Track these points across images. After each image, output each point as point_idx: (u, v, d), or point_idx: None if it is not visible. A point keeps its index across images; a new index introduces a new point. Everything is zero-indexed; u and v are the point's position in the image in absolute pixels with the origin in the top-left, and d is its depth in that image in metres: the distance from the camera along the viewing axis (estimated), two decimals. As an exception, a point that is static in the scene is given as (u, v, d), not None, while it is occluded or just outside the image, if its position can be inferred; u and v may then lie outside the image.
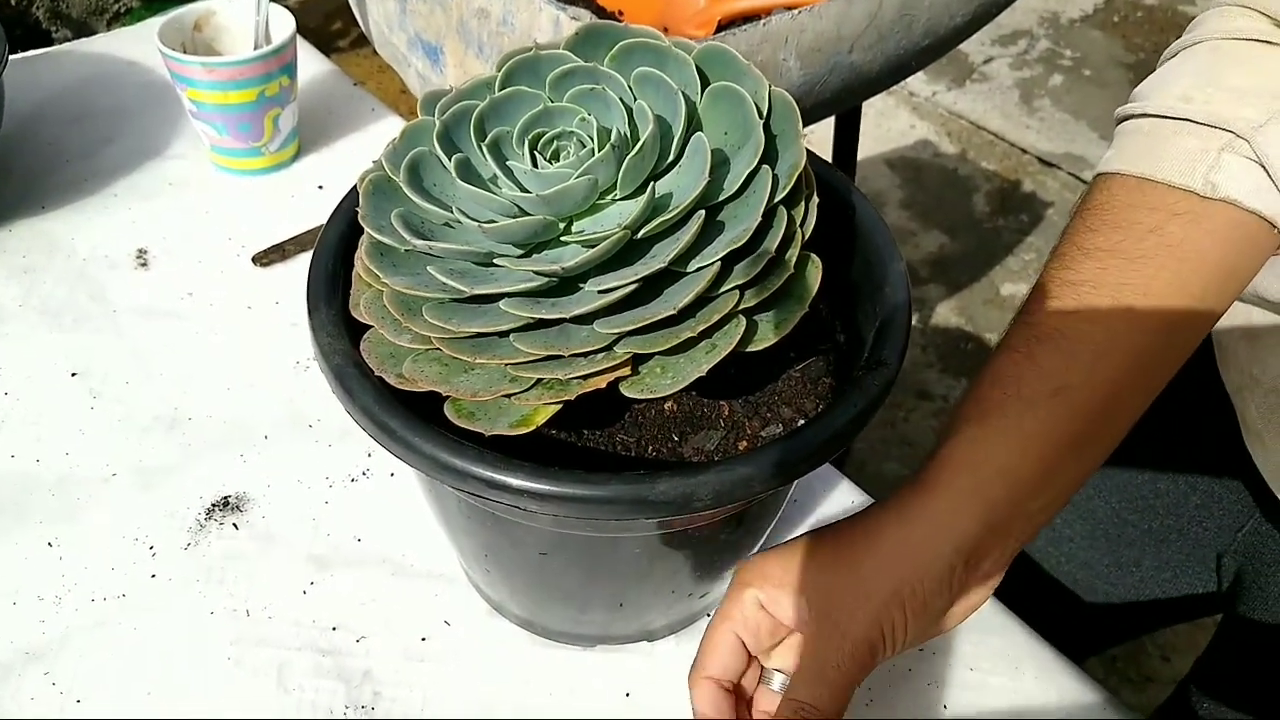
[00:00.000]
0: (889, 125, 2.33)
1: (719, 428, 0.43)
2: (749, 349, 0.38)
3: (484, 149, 0.40)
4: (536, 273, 0.38)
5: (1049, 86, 2.48)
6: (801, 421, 0.44)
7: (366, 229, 0.40)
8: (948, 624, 0.42)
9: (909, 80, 2.08)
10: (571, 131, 0.40)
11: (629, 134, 0.40)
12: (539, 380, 0.38)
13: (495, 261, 0.39)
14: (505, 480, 0.37)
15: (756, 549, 0.53)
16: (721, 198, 0.39)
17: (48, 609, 0.52)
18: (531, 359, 0.37)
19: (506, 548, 0.47)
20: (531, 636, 0.53)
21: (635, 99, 0.40)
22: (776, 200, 0.38)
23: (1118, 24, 2.74)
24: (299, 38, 0.80)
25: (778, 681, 0.44)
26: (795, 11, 0.69)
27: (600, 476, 0.37)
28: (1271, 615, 0.62)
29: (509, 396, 0.38)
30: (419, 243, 0.38)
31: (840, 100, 0.80)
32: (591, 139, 0.39)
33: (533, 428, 0.38)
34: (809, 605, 0.41)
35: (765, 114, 0.40)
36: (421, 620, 0.53)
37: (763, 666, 0.45)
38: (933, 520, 0.40)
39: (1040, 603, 0.70)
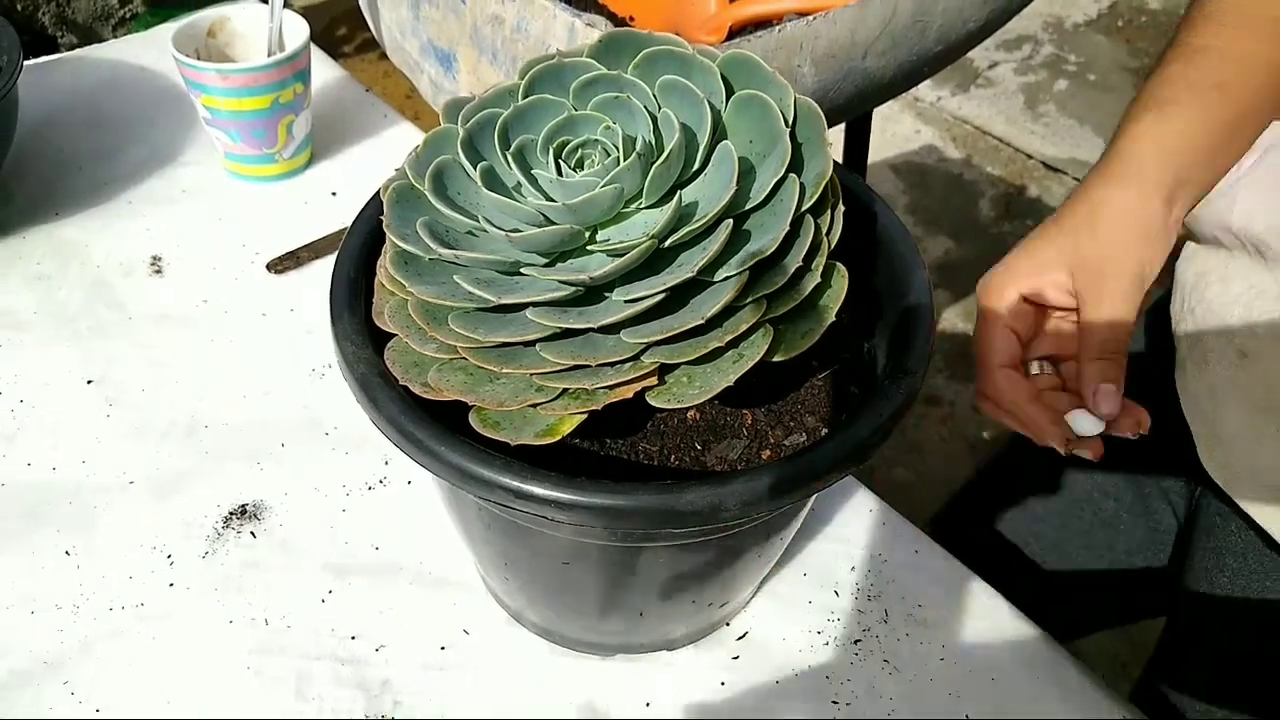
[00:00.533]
0: (894, 130, 2.33)
1: (742, 437, 0.43)
2: (775, 359, 0.38)
3: (508, 157, 0.40)
4: (563, 282, 0.38)
5: (1054, 91, 2.48)
6: (825, 430, 0.44)
7: (391, 238, 0.40)
8: (1164, 255, 0.50)
9: (915, 85, 2.07)
10: (596, 140, 0.40)
11: (654, 142, 0.39)
12: (565, 390, 0.38)
13: (522, 270, 0.39)
14: (532, 490, 0.36)
15: (776, 559, 0.53)
16: (748, 206, 0.39)
17: (66, 618, 0.52)
18: (558, 369, 0.37)
19: (527, 557, 0.47)
20: (551, 645, 0.53)
21: (660, 107, 0.40)
22: (803, 209, 0.38)
23: (1122, 29, 2.74)
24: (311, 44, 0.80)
25: (1035, 367, 0.52)
26: (810, 18, 0.69)
27: (628, 486, 0.37)
28: (1209, 586, 0.64)
29: (535, 406, 0.38)
30: (445, 252, 0.38)
31: (853, 106, 0.80)
32: (616, 147, 0.39)
33: (559, 438, 0.38)
34: (1073, 274, 0.49)
35: (791, 122, 0.39)
36: (440, 629, 0.53)
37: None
38: (1141, 180, 0.49)
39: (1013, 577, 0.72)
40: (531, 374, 0.38)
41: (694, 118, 0.40)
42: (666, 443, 0.43)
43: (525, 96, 0.41)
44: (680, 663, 0.53)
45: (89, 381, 0.64)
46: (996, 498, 0.84)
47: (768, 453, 0.43)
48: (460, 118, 0.41)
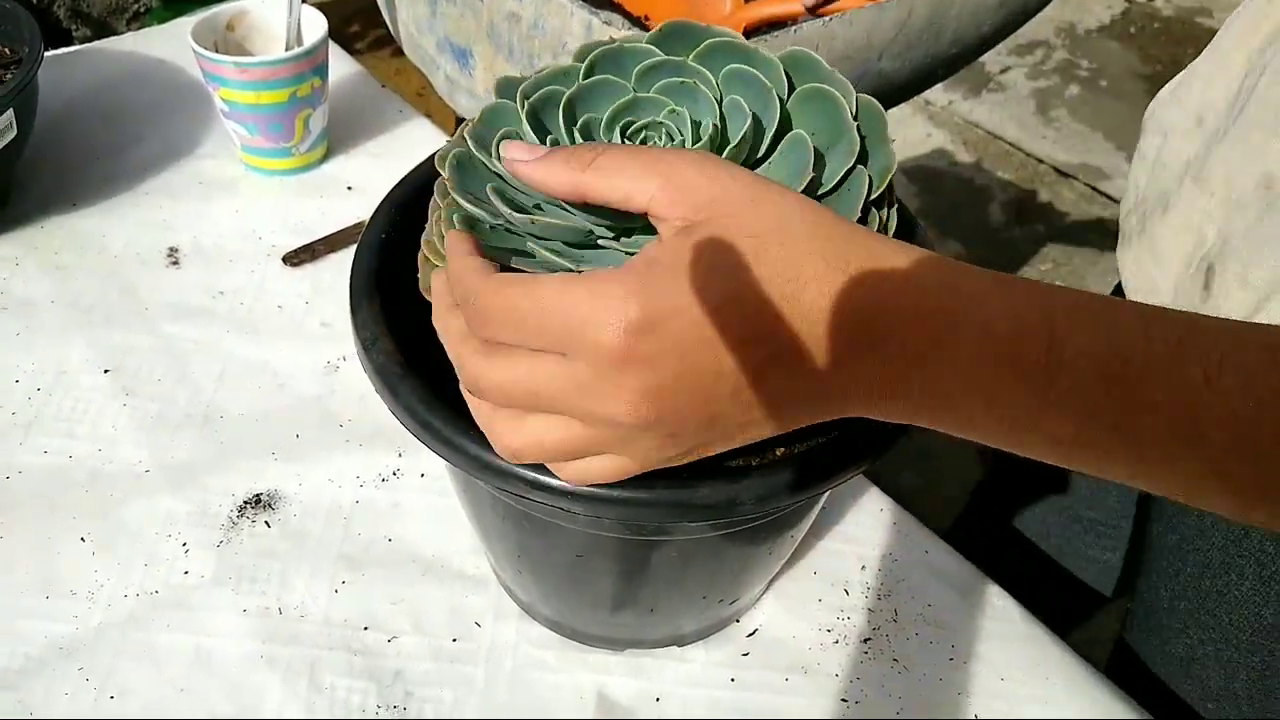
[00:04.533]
0: (905, 133, 2.33)
1: (757, 433, 0.43)
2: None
3: (575, 133, 0.39)
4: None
5: (1065, 97, 2.48)
6: (838, 429, 0.44)
7: (458, 200, 0.39)
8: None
9: (926, 89, 2.07)
10: (660, 123, 0.40)
11: (720, 127, 0.39)
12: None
13: (598, 242, 0.38)
14: (548, 482, 0.37)
15: (788, 557, 0.53)
16: (820, 192, 0.39)
17: (81, 605, 0.53)
18: None
19: (541, 549, 0.47)
20: (562, 639, 0.53)
21: (724, 95, 0.40)
22: (870, 199, 0.38)
23: (1134, 35, 2.74)
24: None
25: None
26: (826, 19, 0.69)
27: (643, 479, 0.37)
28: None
29: None
30: (519, 217, 0.37)
31: (868, 108, 0.80)
32: (681, 131, 0.39)
33: None
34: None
35: (854, 116, 0.40)
36: (453, 621, 0.53)
37: None
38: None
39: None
40: None
41: (760, 106, 0.39)
42: (682, 438, 0.43)
43: (587, 76, 0.41)
44: (690, 658, 0.53)
45: (106, 371, 0.64)
46: (1008, 498, 0.84)
47: (782, 449, 0.43)
48: (520, 93, 0.41)
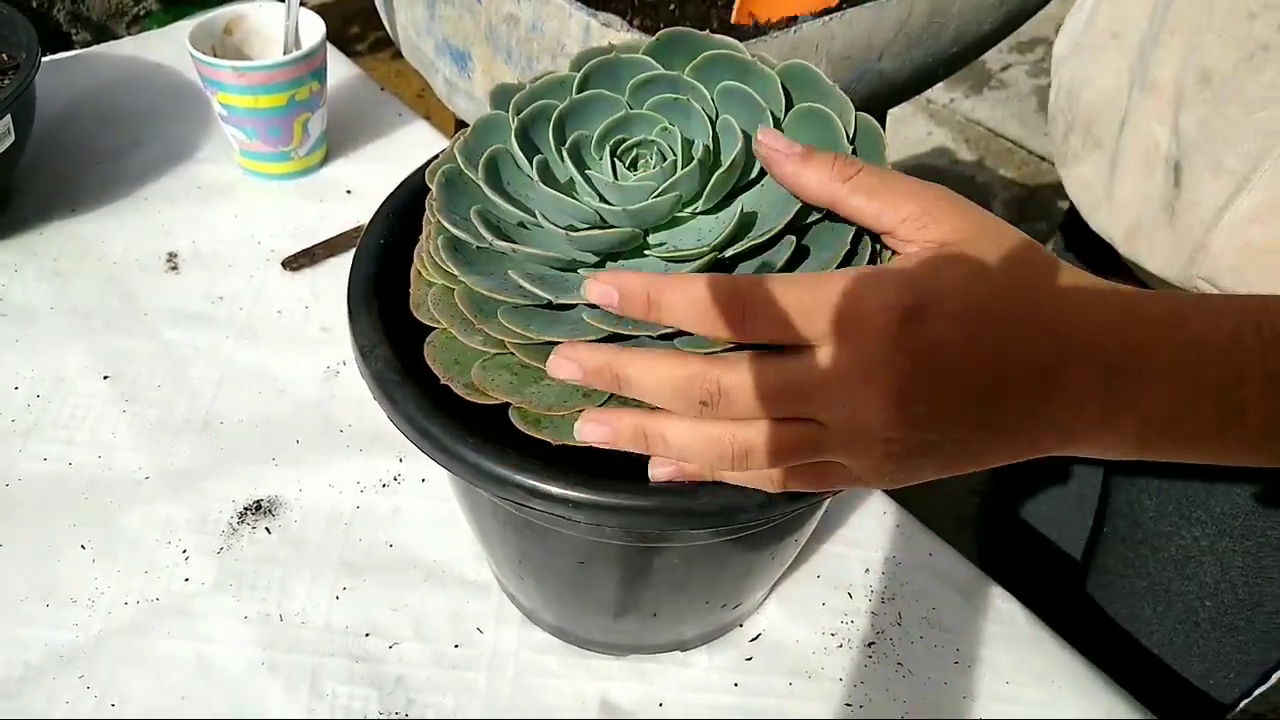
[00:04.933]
0: (906, 132, 2.33)
1: (759, 438, 0.43)
2: None
3: (563, 152, 0.39)
4: None
5: (1067, 94, 2.47)
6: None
7: (442, 222, 0.39)
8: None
9: (927, 87, 2.07)
10: (652, 140, 0.39)
11: (713, 148, 0.39)
12: (612, 395, 0.37)
13: (579, 270, 0.38)
14: (548, 489, 0.36)
15: (791, 561, 0.53)
16: (809, 220, 0.38)
17: (81, 612, 0.52)
18: None
19: (542, 556, 0.47)
20: (564, 644, 0.53)
21: (718, 113, 0.39)
22: None
23: (1136, 31, 2.72)
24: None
25: None
26: (826, 18, 0.69)
27: (645, 486, 0.37)
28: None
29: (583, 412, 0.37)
30: (501, 243, 0.37)
31: (869, 107, 0.79)
32: (673, 150, 0.38)
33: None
34: None
35: (852, 138, 0.38)
36: (454, 627, 0.53)
37: None
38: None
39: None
40: None
41: (753, 126, 0.38)
42: (683, 443, 0.43)
43: (580, 90, 0.40)
44: (693, 663, 0.53)
45: (105, 377, 0.64)
46: (1015, 496, 0.85)
47: (784, 454, 0.43)
48: (511, 106, 0.40)
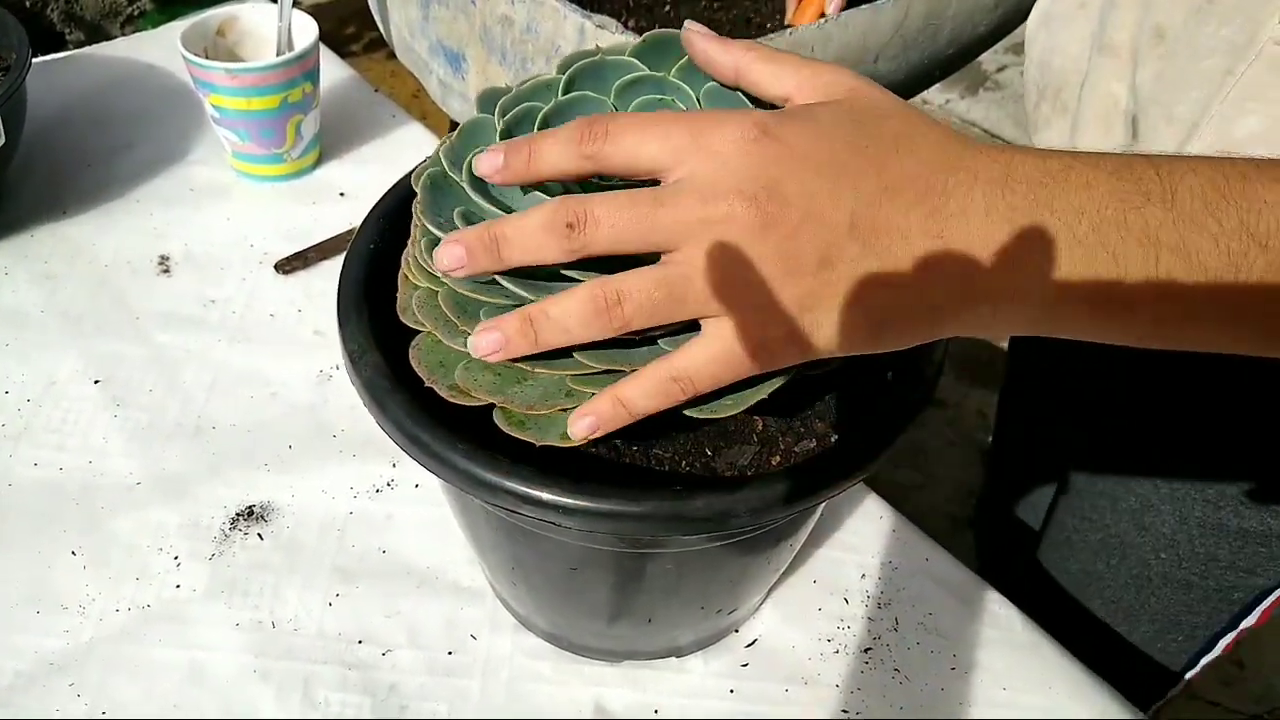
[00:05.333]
0: (903, 132, 2.32)
1: (752, 443, 0.43)
2: (811, 372, 0.37)
3: None
4: None
5: (1063, 94, 2.47)
6: (835, 437, 0.43)
7: (425, 224, 0.39)
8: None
9: (924, 87, 2.07)
10: None
11: None
12: (595, 395, 0.37)
13: (563, 273, 0.38)
14: (539, 495, 0.36)
15: (786, 566, 0.53)
16: None
17: (72, 619, 0.52)
18: (592, 372, 0.36)
19: (535, 561, 0.46)
20: (558, 651, 0.53)
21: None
22: None
23: (1132, 31, 2.73)
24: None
25: None
26: (822, 21, 0.68)
27: (636, 492, 0.36)
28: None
29: (566, 411, 0.37)
30: None
31: (865, 109, 0.79)
32: None
33: (584, 440, 0.37)
34: None
35: None
36: (448, 634, 0.53)
37: None
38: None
39: None
40: (566, 375, 0.37)
41: None
42: (678, 448, 0.42)
43: (565, 92, 0.40)
44: (689, 669, 0.52)
45: (96, 381, 0.64)
46: (1010, 494, 0.85)
47: (778, 459, 0.42)
48: (497, 109, 0.40)
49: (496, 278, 0.37)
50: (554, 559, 0.45)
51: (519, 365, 0.36)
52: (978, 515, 0.96)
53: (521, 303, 0.37)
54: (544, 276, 0.38)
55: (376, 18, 0.87)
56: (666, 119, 0.34)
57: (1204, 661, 0.68)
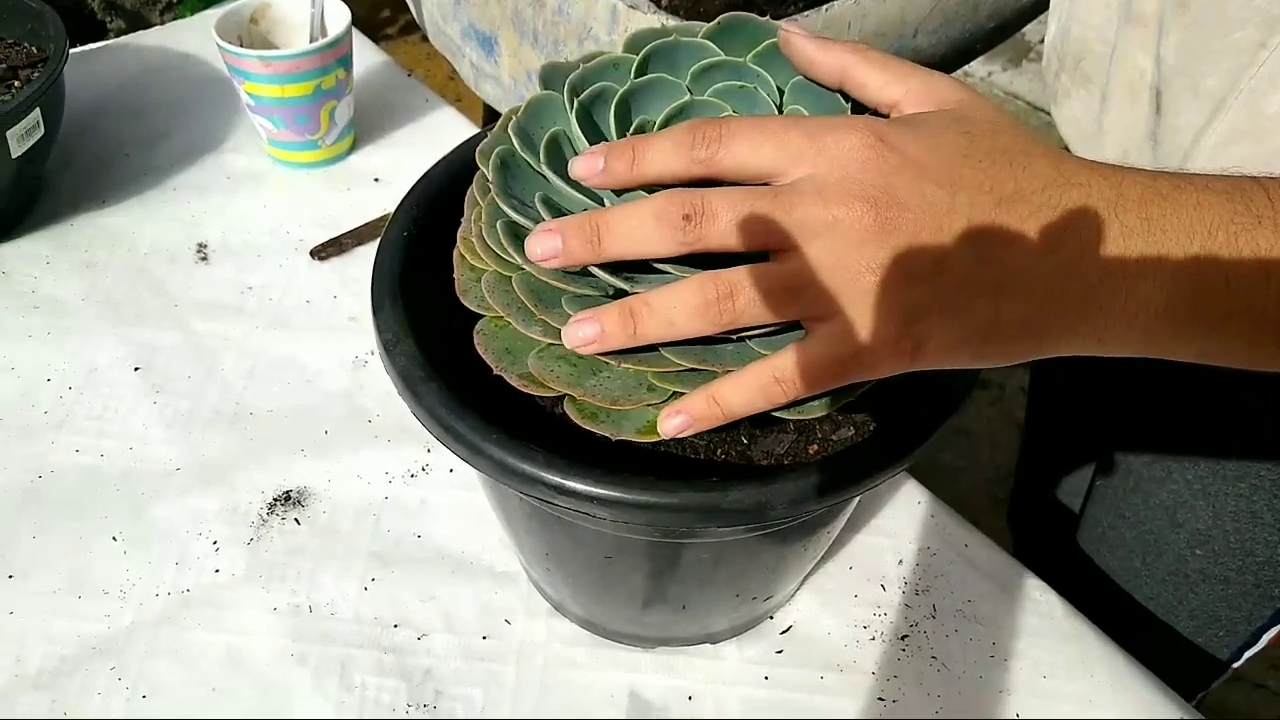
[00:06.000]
0: (942, 108, 2.28)
1: (789, 431, 0.42)
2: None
3: (628, 136, 0.37)
4: None
5: (1108, 67, 2.41)
6: (874, 426, 0.42)
7: (501, 206, 0.38)
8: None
9: (963, 62, 2.03)
10: None
11: None
12: (676, 393, 0.36)
13: (659, 266, 0.37)
14: (574, 486, 0.36)
15: (822, 553, 0.52)
16: None
17: (113, 604, 0.53)
18: (677, 369, 0.35)
19: (570, 549, 0.46)
20: (593, 636, 0.53)
21: (784, 105, 0.38)
22: None
23: None
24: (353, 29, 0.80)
25: None
26: (858, -6, 0.67)
27: (672, 484, 0.36)
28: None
29: (646, 406, 0.36)
30: None
31: (903, 87, 0.78)
32: None
33: (660, 437, 0.37)
34: None
35: None
36: (482, 619, 0.53)
37: None
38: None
39: None
40: (649, 371, 0.36)
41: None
42: (713, 436, 0.42)
43: (640, 74, 0.39)
44: (723, 656, 0.52)
45: (135, 369, 0.64)
46: (1047, 478, 0.84)
47: (815, 447, 0.42)
48: (567, 88, 0.39)
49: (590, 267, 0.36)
50: (588, 547, 0.45)
51: (598, 357, 0.36)
52: (1012, 502, 0.95)
53: (605, 292, 0.36)
54: (632, 270, 0.37)
55: (409, 2, 0.87)
56: (780, 124, 0.33)
57: (1248, 654, 0.66)
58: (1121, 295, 0.32)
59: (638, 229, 0.33)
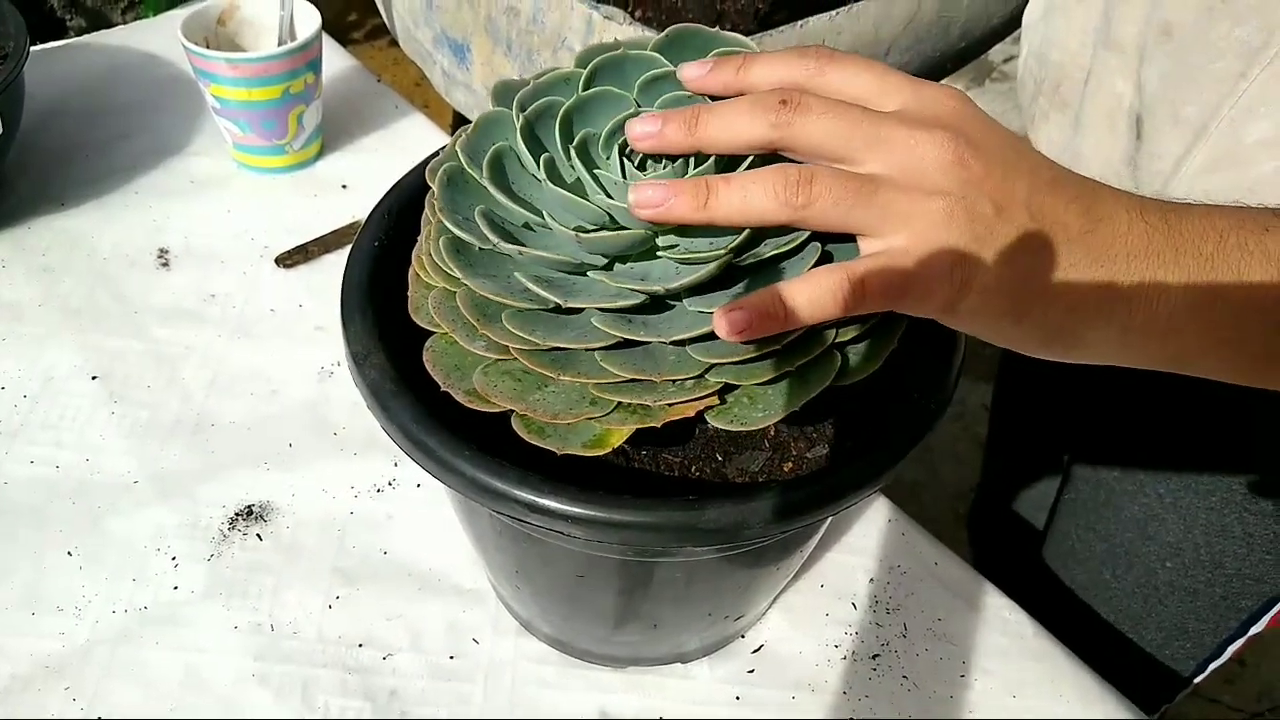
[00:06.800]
0: (908, 124, 2.31)
1: (764, 449, 0.42)
2: (840, 383, 0.36)
3: (571, 150, 0.37)
4: (633, 289, 0.35)
5: (1070, 86, 2.45)
6: (849, 443, 0.42)
7: (445, 223, 0.38)
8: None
9: (930, 79, 2.05)
10: None
11: None
12: (620, 404, 0.36)
13: (587, 273, 0.36)
14: (547, 504, 0.35)
15: (795, 572, 0.52)
16: None
17: (68, 621, 0.51)
18: (617, 380, 0.35)
19: (539, 567, 0.45)
20: (562, 656, 0.52)
21: None
22: None
23: (1140, 23, 2.71)
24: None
25: None
26: (833, 13, 0.67)
27: (647, 502, 0.35)
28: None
29: (591, 420, 0.36)
30: (507, 246, 0.36)
31: (875, 103, 0.78)
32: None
33: (608, 449, 0.36)
34: None
35: None
36: (449, 637, 0.52)
37: None
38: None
39: None
40: (589, 383, 0.36)
41: None
42: (688, 454, 0.41)
43: (587, 87, 0.39)
44: (694, 675, 0.52)
45: (93, 377, 0.63)
46: (1009, 492, 0.84)
47: (790, 465, 0.42)
48: (516, 103, 0.39)
49: (516, 276, 0.36)
50: (559, 565, 0.44)
51: (541, 371, 0.35)
52: (972, 514, 0.95)
53: (545, 306, 0.36)
54: (567, 271, 0.37)
55: (379, 5, 0.86)
56: (884, 66, 0.35)
57: (1212, 667, 0.67)
58: (1145, 285, 0.34)
59: (733, 115, 0.34)
